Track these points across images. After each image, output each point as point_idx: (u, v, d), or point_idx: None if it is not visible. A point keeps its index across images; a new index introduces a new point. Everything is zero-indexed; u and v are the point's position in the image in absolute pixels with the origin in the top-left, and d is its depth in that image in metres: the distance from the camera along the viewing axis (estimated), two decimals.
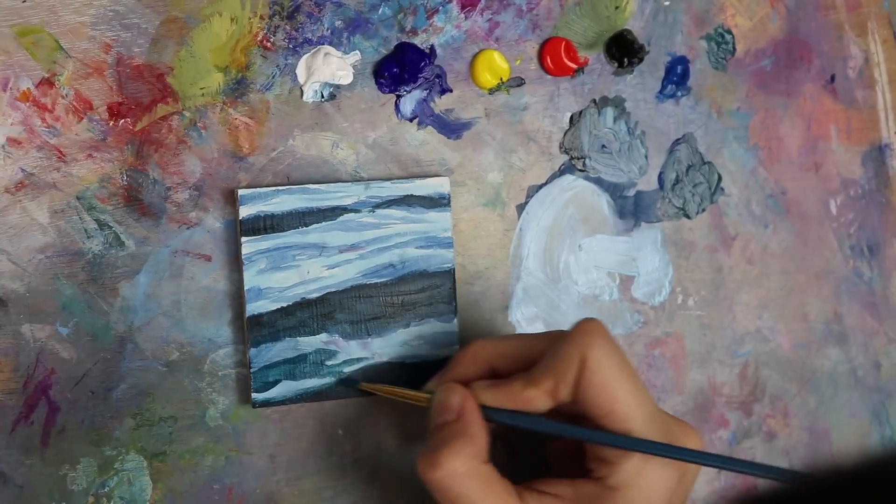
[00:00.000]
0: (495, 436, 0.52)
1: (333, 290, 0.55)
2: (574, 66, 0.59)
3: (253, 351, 0.53)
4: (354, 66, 0.56)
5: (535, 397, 0.49)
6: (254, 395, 0.53)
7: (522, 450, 0.57)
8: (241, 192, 0.53)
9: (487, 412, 0.50)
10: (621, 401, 0.48)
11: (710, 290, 0.61)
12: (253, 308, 0.53)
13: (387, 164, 0.57)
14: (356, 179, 0.56)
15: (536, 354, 0.50)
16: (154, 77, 0.53)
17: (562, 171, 0.59)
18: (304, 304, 0.54)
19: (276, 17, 0.55)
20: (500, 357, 0.52)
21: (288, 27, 0.55)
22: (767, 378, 0.62)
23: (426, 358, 0.56)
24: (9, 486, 0.51)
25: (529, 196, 0.59)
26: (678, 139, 0.61)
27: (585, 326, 0.49)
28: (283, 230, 0.54)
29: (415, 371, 0.55)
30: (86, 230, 0.53)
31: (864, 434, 0.64)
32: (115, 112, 0.53)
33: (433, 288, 0.56)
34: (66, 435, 0.52)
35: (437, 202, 0.56)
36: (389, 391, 0.53)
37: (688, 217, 0.61)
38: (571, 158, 0.59)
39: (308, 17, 0.56)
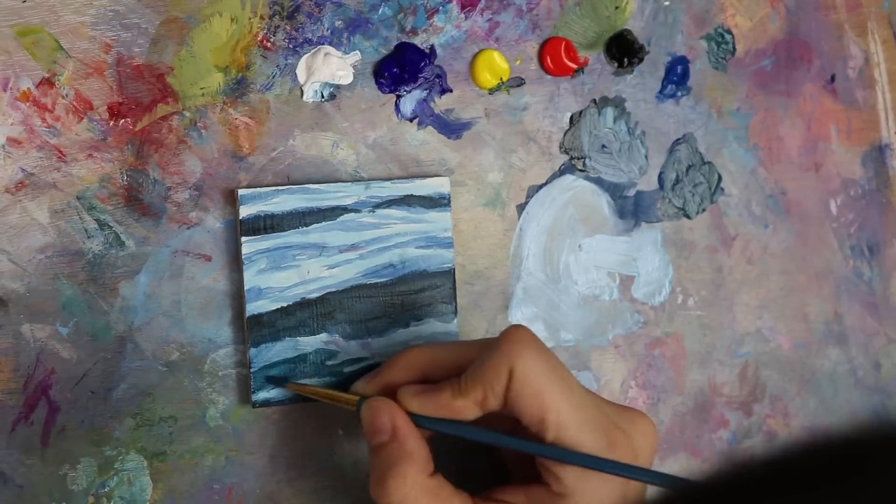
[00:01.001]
0: (440, 448, 0.51)
1: (333, 290, 0.55)
2: (574, 66, 0.59)
3: (253, 351, 0.53)
4: (354, 66, 0.56)
5: (464, 407, 0.48)
6: (254, 395, 0.53)
7: (475, 459, 0.56)
8: (241, 192, 0.53)
9: (416, 419, 0.49)
10: (552, 409, 0.47)
11: (710, 291, 0.61)
12: (253, 308, 0.53)
13: (387, 164, 0.57)
14: (356, 179, 0.56)
15: (469, 363, 0.49)
16: (154, 77, 0.53)
17: (562, 171, 0.59)
18: (304, 304, 0.54)
19: (277, 17, 0.55)
20: (432, 365, 0.51)
21: (288, 27, 0.55)
22: (767, 378, 0.62)
23: None
24: (9, 486, 0.51)
25: (529, 196, 0.59)
26: (678, 139, 0.61)
27: (513, 335, 0.48)
28: (284, 230, 0.54)
29: None
30: (86, 230, 0.53)
31: None
32: (115, 112, 0.53)
33: (433, 288, 0.56)
34: (66, 435, 0.52)
35: (438, 202, 0.56)
36: (315, 392, 0.53)
37: (688, 217, 0.61)
38: (571, 158, 0.59)
39: (308, 17, 0.56)
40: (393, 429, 0.49)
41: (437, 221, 0.56)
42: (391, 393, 0.51)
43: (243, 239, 0.53)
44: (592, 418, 0.48)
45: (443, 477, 0.49)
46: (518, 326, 0.49)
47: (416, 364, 0.51)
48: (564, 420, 0.47)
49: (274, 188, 0.54)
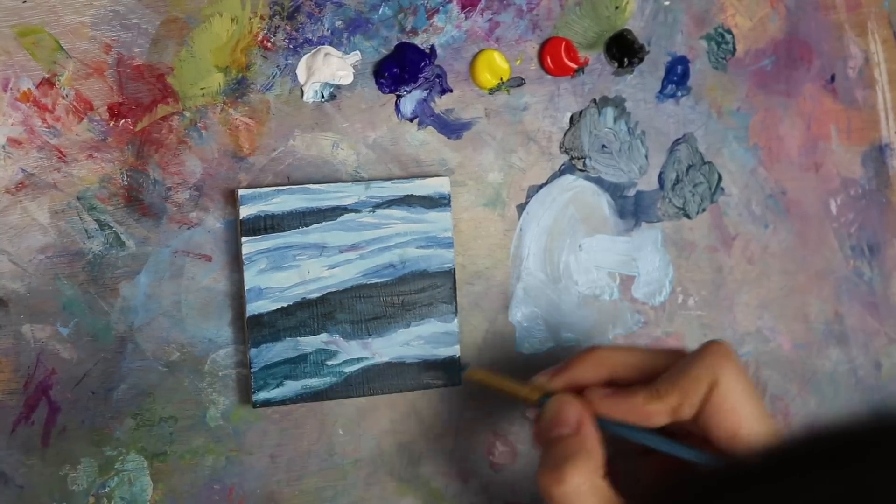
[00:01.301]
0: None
1: (334, 290, 0.55)
2: (574, 66, 0.59)
3: (253, 351, 0.53)
4: (355, 67, 0.56)
5: (657, 412, 0.49)
6: (254, 395, 0.53)
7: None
8: (241, 192, 0.53)
9: (602, 423, 0.50)
10: (747, 425, 0.48)
11: (710, 290, 0.61)
12: (253, 308, 0.53)
13: (387, 164, 0.57)
14: (356, 179, 0.56)
15: (658, 369, 0.50)
16: (154, 77, 0.53)
17: (562, 171, 0.59)
18: (304, 304, 0.54)
19: (277, 17, 0.55)
20: (622, 366, 0.51)
21: (288, 27, 0.55)
22: (768, 378, 0.62)
23: (426, 358, 0.56)
24: (9, 487, 0.51)
25: (530, 196, 0.59)
26: (678, 139, 0.61)
27: (716, 348, 0.49)
28: (284, 230, 0.54)
29: (415, 371, 0.55)
30: (86, 230, 0.53)
31: None
32: (115, 112, 0.53)
33: (433, 288, 0.56)
34: (66, 435, 0.52)
35: (438, 202, 0.56)
36: (495, 382, 0.53)
37: (688, 217, 0.61)
38: (571, 158, 0.59)
39: (308, 18, 0.56)
40: (578, 424, 0.49)
41: (437, 221, 0.56)
42: (575, 390, 0.51)
43: (243, 239, 0.53)
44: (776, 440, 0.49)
45: (610, 484, 0.49)
46: (721, 341, 0.50)
47: (607, 363, 0.52)
48: (756, 440, 0.48)
49: (274, 188, 0.54)
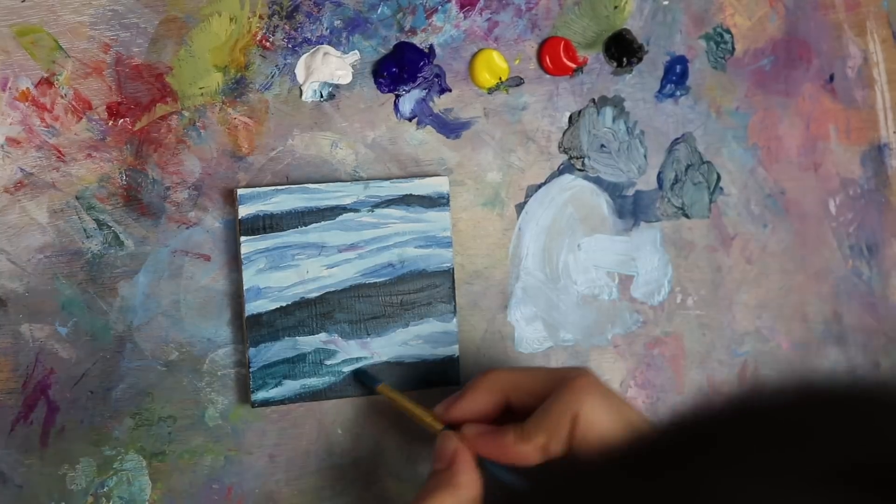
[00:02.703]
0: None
1: (332, 289, 0.55)
2: (573, 65, 0.59)
3: (252, 350, 0.53)
4: (353, 66, 0.56)
5: (527, 452, 0.49)
6: (253, 394, 0.53)
7: None
8: (240, 191, 0.53)
9: (482, 462, 0.50)
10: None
11: (709, 290, 0.61)
12: (252, 308, 0.53)
13: (386, 164, 0.57)
14: (355, 179, 0.56)
15: (550, 392, 0.50)
16: (153, 77, 0.53)
17: (561, 171, 0.59)
18: (303, 304, 0.54)
19: (276, 16, 0.55)
20: (515, 389, 0.51)
21: (287, 27, 0.55)
22: (767, 378, 0.62)
23: (425, 357, 0.56)
24: (8, 486, 0.51)
25: (528, 195, 0.59)
26: (677, 139, 0.61)
27: (575, 381, 0.49)
28: (283, 230, 0.54)
29: (414, 371, 0.55)
30: (85, 230, 0.53)
31: None
32: (114, 112, 0.53)
33: (432, 287, 0.56)
34: (65, 435, 0.52)
35: (436, 202, 0.56)
36: (403, 404, 0.53)
37: (687, 217, 0.61)
38: (570, 158, 0.59)
39: (307, 17, 0.56)
40: (451, 459, 0.50)
41: (436, 221, 0.56)
42: (473, 417, 0.51)
43: (242, 238, 0.53)
44: None
45: None
46: (581, 372, 0.50)
47: (498, 387, 0.52)
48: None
49: (273, 188, 0.54)
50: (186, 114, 0.54)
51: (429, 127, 0.57)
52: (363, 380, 0.54)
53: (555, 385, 0.50)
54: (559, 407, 0.48)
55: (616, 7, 0.60)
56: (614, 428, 0.48)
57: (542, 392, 0.50)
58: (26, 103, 0.52)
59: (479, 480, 0.49)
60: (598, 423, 0.48)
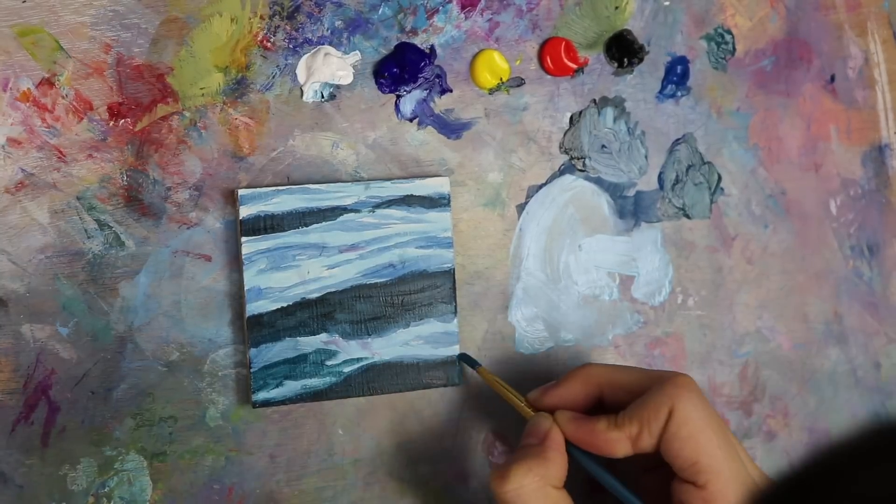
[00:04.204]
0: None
1: (333, 290, 0.55)
2: (574, 66, 0.59)
3: (253, 351, 0.53)
4: (354, 67, 0.56)
5: (617, 440, 0.50)
6: (254, 395, 0.54)
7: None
8: (241, 192, 0.53)
9: (570, 451, 0.51)
10: (707, 453, 0.49)
11: (710, 291, 0.61)
12: (253, 308, 0.53)
13: (387, 164, 0.57)
14: (356, 179, 0.56)
15: (646, 390, 0.51)
16: (154, 77, 0.53)
17: (562, 171, 0.59)
18: (304, 304, 0.54)
19: (276, 17, 0.55)
20: (610, 384, 0.53)
21: (288, 27, 0.55)
22: (767, 378, 0.62)
23: (426, 358, 0.56)
24: (9, 486, 0.51)
25: (529, 196, 0.59)
26: (678, 139, 0.61)
27: (676, 379, 0.50)
28: (284, 230, 0.54)
29: (415, 371, 0.55)
30: (86, 230, 0.53)
31: None
32: (115, 112, 0.53)
33: (433, 288, 0.56)
34: (66, 435, 0.52)
35: (437, 202, 0.56)
36: (499, 389, 0.54)
37: (688, 217, 0.61)
38: (571, 158, 0.59)
39: (308, 18, 0.56)
40: (544, 436, 0.51)
41: (436, 221, 0.56)
42: (565, 406, 0.52)
43: (243, 239, 0.53)
44: (739, 471, 0.49)
45: (566, 496, 0.50)
46: (683, 374, 0.51)
47: (595, 380, 0.53)
48: (717, 466, 0.49)
49: (274, 188, 0.54)
50: (187, 114, 0.54)
51: (430, 127, 0.57)
52: (466, 361, 0.56)
53: (652, 383, 0.51)
54: (657, 398, 0.49)
55: (617, 8, 0.60)
56: (706, 428, 0.49)
57: (637, 389, 0.51)
58: (27, 104, 0.52)
59: (566, 463, 0.50)
60: (690, 420, 0.49)
